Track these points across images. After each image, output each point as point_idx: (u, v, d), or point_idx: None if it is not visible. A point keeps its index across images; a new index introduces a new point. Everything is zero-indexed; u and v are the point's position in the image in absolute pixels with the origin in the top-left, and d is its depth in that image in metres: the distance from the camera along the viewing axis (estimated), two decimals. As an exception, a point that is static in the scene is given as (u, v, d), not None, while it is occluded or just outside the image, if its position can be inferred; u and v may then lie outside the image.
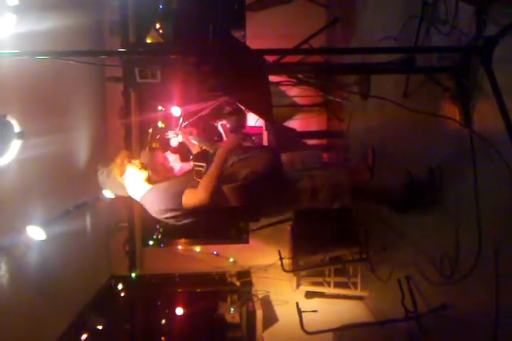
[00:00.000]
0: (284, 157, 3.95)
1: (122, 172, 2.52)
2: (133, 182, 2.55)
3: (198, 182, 2.39)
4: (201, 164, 2.52)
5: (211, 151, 2.72)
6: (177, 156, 3.80)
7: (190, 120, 4.34)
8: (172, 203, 2.35)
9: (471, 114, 2.26)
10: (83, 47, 4.35)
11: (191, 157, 2.69)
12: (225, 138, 4.40)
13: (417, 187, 2.79)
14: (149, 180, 2.59)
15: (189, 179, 2.52)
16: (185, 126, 3.71)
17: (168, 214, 2.40)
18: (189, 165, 3.78)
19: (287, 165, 3.84)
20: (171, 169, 3.67)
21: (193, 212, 2.38)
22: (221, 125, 4.33)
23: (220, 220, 2.74)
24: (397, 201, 2.93)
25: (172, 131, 3.60)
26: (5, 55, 2.37)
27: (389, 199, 3.00)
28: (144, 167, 2.58)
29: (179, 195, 2.33)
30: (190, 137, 3.25)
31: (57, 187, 3.79)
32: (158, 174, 3.63)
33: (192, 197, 2.32)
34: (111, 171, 2.54)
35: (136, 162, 2.57)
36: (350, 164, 4.55)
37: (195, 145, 3.20)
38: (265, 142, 4.91)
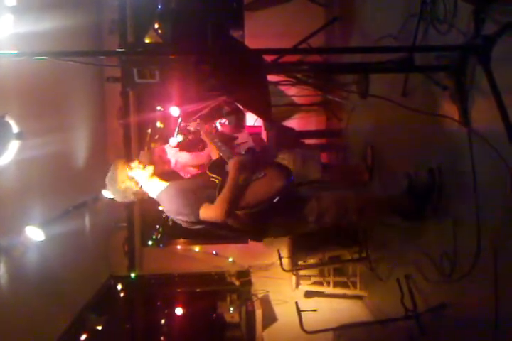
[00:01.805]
0: (285, 155, 3.97)
1: (135, 182, 2.50)
2: (145, 182, 2.53)
3: (214, 193, 2.37)
4: (217, 177, 2.48)
5: (227, 160, 2.63)
6: (175, 149, 3.80)
7: (190, 120, 4.34)
8: (189, 209, 2.35)
9: (469, 112, 2.26)
10: (81, 48, 4.35)
11: (207, 167, 2.62)
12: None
13: (419, 192, 2.77)
14: (158, 175, 2.57)
15: (207, 186, 2.48)
16: (205, 123, 3.41)
17: (182, 218, 2.40)
18: (186, 154, 3.78)
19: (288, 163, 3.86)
20: (168, 162, 3.68)
21: (204, 222, 2.38)
22: (220, 124, 4.33)
23: (227, 231, 2.72)
24: (406, 211, 2.90)
25: (193, 124, 3.35)
26: (3, 55, 2.36)
27: (397, 211, 2.97)
28: (145, 164, 2.56)
29: (197, 206, 2.32)
30: (214, 140, 2.94)
31: (56, 188, 3.79)
32: (155, 166, 3.64)
33: (208, 213, 2.31)
34: (115, 181, 2.51)
35: (135, 163, 2.55)
36: (349, 164, 4.55)
37: (214, 148, 2.98)
38: (265, 139, 4.90)
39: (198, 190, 2.43)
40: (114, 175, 2.51)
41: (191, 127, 3.25)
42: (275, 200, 2.35)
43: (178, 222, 2.46)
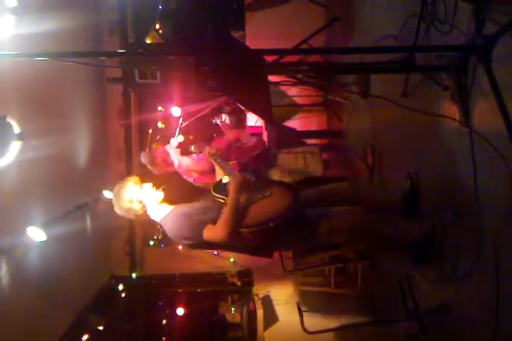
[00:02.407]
0: (285, 154, 3.98)
1: (142, 206, 2.49)
2: (151, 206, 2.51)
3: (218, 213, 2.36)
4: (222, 197, 2.44)
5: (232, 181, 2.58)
6: (177, 150, 3.80)
7: (190, 120, 4.35)
8: (192, 234, 2.34)
9: (470, 113, 2.26)
10: (82, 48, 4.35)
11: (212, 186, 2.57)
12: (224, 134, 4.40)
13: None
14: (166, 200, 2.54)
15: (210, 207, 2.47)
16: (209, 142, 3.31)
17: (185, 241, 2.42)
18: (189, 159, 3.77)
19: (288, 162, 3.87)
20: (172, 164, 3.68)
21: (209, 243, 2.37)
22: (220, 121, 4.34)
23: (236, 250, 2.71)
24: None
25: (195, 146, 3.34)
26: (4, 56, 2.36)
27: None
28: (157, 187, 2.54)
29: (201, 228, 2.31)
30: (217, 160, 2.86)
31: (58, 188, 3.79)
32: (158, 168, 3.65)
33: (211, 234, 2.30)
34: (122, 198, 2.48)
35: (148, 186, 2.53)
36: (349, 163, 4.55)
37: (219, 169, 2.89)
38: (265, 139, 4.90)
39: (201, 214, 2.41)
40: (123, 191, 2.48)
41: (193, 149, 3.20)
42: (281, 220, 2.33)
43: (183, 243, 2.46)
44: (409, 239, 2.77)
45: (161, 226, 2.50)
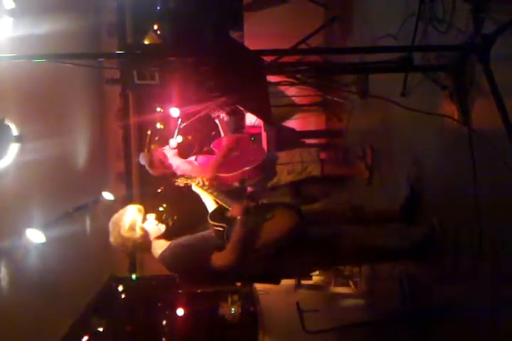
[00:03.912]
0: (283, 154, 3.97)
1: (143, 235, 2.39)
2: (153, 241, 2.44)
3: (219, 242, 2.33)
4: (221, 225, 2.40)
5: (228, 208, 2.53)
6: (175, 151, 3.79)
7: (189, 121, 4.34)
8: (193, 264, 2.29)
9: (469, 112, 2.26)
10: (81, 50, 4.35)
11: (209, 216, 2.54)
12: (222, 133, 4.40)
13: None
14: (165, 236, 2.47)
15: (207, 239, 2.44)
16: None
17: (189, 273, 2.38)
18: (187, 164, 3.76)
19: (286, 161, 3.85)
20: (169, 166, 3.68)
21: (208, 277, 2.35)
22: (218, 119, 4.33)
23: (242, 280, 2.68)
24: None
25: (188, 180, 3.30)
26: (2, 58, 2.36)
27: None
28: (160, 220, 2.48)
29: (202, 256, 2.26)
30: (213, 193, 2.84)
31: (57, 190, 3.79)
32: (156, 170, 3.65)
33: (219, 259, 2.23)
34: (122, 226, 2.40)
35: (152, 217, 2.46)
36: (348, 163, 4.55)
37: (209, 199, 2.88)
38: (264, 141, 4.90)
39: (202, 242, 2.39)
40: (124, 218, 2.41)
41: (180, 183, 3.17)
42: (286, 241, 2.32)
43: (182, 279, 2.41)
44: (410, 243, 2.77)
45: (161, 261, 2.40)
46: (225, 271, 2.23)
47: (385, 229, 2.77)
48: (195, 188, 2.98)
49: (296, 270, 2.63)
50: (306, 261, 2.50)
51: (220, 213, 2.53)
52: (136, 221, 2.39)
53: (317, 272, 4.82)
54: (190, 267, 2.32)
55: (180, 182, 3.09)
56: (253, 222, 2.37)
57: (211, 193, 2.82)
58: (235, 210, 2.41)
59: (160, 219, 2.48)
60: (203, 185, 2.90)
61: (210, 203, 2.84)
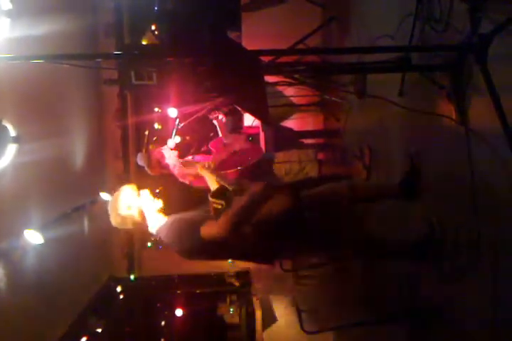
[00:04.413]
0: (281, 155, 3.98)
1: (140, 212, 2.44)
2: (149, 216, 2.47)
3: (215, 217, 2.34)
4: (220, 202, 2.46)
5: (230, 188, 2.61)
6: (174, 152, 3.80)
7: (187, 121, 4.34)
8: (190, 235, 2.30)
9: (466, 111, 2.26)
10: (78, 50, 4.34)
11: (210, 194, 2.59)
12: (220, 134, 4.41)
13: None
14: (163, 211, 2.51)
15: (204, 214, 2.45)
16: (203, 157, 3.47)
17: (184, 246, 2.36)
18: (185, 165, 3.77)
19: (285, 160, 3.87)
20: (166, 166, 3.69)
21: (205, 249, 2.33)
22: (216, 120, 4.34)
23: (236, 255, 2.70)
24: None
25: (189, 160, 3.44)
26: (0, 59, 2.36)
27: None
28: (156, 196, 2.52)
29: (199, 226, 2.28)
30: (216, 174, 3.05)
31: (54, 191, 3.78)
32: (154, 170, 3.66)
33: (212, 229, 2.25)
34: (120, 205, 2.43)
35: (146, 192, 2.50)
36: (346, 163, 4.56)
37: (213, 180, 3.03)
38: (262, 141, 4.90)
39: (200, 217, 2.39)
40: (121, 198, 2.44)
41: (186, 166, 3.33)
42: (282, 220, 2.36)
43: (182, 255, 2.42)
44: (409, 242, 2.78)
45: (159, 237, 2.44)
46: (217, 240, 2.25)
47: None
48: (200, 171, 3.16)
49: (292, 252, 2.67)
50: (302, 245, 2.54)
51: (220, 193, 2.58)
52: (131, 199, 2.45)
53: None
54: (185, 238, 2.33)
55: (187, 165, 3.36)
56: (260, 196, 2.40)
57: (214, 175, 2.99)
58: (255, 186, 2.42)
59: (155, 195, 2.52)
60: (208, 167, 3.10)
61: (213, 184, 2.99)
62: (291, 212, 2.41)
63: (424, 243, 2.62)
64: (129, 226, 2.47)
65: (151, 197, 2.50)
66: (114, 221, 2.47)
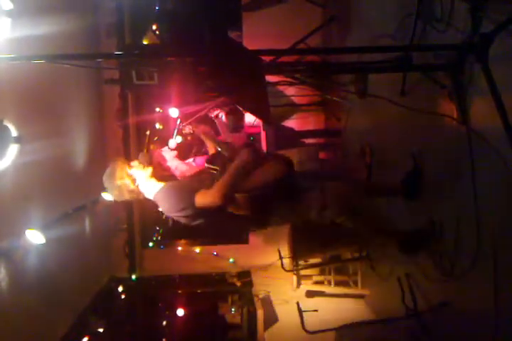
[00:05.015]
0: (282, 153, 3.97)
1: (132, 180, 2.52)
2: (143, 183, 2.54)
3: (211, 183, 2.39)
4: (215, 167, 2.55)
5: (226, 154, 2.71)
6: (174, 153, 3.80)
7: (189, 121, 4.34)
8: (184, 202, 2.36)
9: (467, 111, 2.26)
10: (79, 50, 4.34)
11: (206, 159, 2.72)
12: (221, 133, 4.41)
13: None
14: (155, 176, 2.59)
15: (202, 179, 2.54)
16: (198, 123, 3.66)
17: (179, 213, 2.41)
18: (185, 165, 3.78)
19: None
20: (167, 168, 3.69)
21: (203, 213, 2.38)
22: (216, 118, 4.34)
23: (229, 224, 2.75)
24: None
25: (189, 127, 3.57)
26: (1, 59, 2.36)
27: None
28: (144, 164, 2.58)
29: (192, 195, 2.34)
30: (213, 138, 3.27)
31: (56, 191, 3.78)
32: (154, 172, 3.65)
33: (205, 198, 2.32)
34: (113, 177, 2.53)
35: (135, 163, 2.57)
36: (347, 162, 4.56)
37: (212, 144, 3.17)
38: (263, 141, 4.91)
39: (192, 184, 2.46)
40: (112, 171, 2.53)
41: (187, 130, 3.44)
42: (274, 184, 2.46)
43: (178, 219, 2.47)
44: (404, 231, 2.83)
45: (155, 203, 2.52)
46: (211, 209, 2.31)
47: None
48: (202, 137, 3.33)
49: (284, 216, 2.72)
50: (291, 209, 2.62)
51: (217, 158, 2.70)
52: (123, 169, 2.53)
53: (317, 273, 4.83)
54: (181, 205, 2.37)
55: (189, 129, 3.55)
56: (246, 168, 2.46)
57: (213, 141, 3.15)
58: (243, 152, 2.46)
59: (144, 164, 2.60)
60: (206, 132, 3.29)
61: (212, 150, 3.13)
62: (285, 175, 2.55)
63: (421, 235, 2.69)
64: (127, 196, 2.55)
65: (140, 165, 2.57)
66: (112, 193, 2.57)
